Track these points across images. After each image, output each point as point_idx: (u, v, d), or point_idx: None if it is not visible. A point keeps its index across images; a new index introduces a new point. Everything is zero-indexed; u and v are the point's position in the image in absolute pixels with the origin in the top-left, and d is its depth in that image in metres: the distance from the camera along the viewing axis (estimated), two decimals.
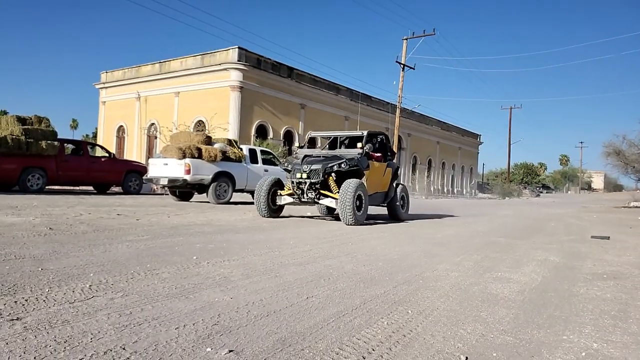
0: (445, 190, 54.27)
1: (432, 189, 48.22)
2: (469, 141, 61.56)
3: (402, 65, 33.80)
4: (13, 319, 2.51)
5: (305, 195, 9.57)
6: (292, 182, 9.74)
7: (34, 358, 2.05)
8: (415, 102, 68.79)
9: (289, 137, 34.11)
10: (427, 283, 4.07)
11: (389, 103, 41.28)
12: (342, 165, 9.41)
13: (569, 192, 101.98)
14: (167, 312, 2.79)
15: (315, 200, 9.55)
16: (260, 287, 3.58)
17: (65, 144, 15.99)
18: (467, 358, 2.34)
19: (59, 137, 15.25)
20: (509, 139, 55.96)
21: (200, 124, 30.84)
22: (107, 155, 17.31)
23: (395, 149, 35.44)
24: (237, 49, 30.16)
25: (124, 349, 2.21)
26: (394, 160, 11.97)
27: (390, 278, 4.18)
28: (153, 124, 34.88)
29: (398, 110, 34.87)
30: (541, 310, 3.36)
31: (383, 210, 12.14)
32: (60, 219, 7.04)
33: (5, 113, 34.48)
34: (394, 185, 11.31)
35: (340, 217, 8.86)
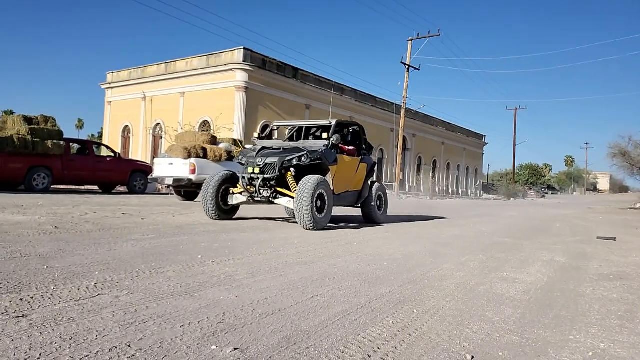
0: (450, 191, 54.16)
1: (437, 189, 48.14)
2: (474, 142, 61.42)
3: (407, 66, 33.78)
4: (19, 316, 2.52)
5: (258, 193, 8.31)
6: (243, 178, 8.45)
7: (40, 355, 2.05)
8: (420, 102, 68.74)
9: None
10: (433, 283, 4.06)
11: (393, 104, 41.30)
12: (303, 158, 8.11)
13: (575, 193, 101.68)
14: (173, 310, 2.79)
15: (271, 199, 8.26)
16: (265, 285, 3.57)
17: (71, 144, 16.02)
18: (473, 357, 2.33)
19: (64, 136, 15.29)
20: (514, 139, 55.90)
21: (205, 124, 30.88)
22: (112, 155, 17.34)
23: (400, 150, 35.54)
24: (242, 50, 30.20)
25: (129, 346, 2.21)
26: (371, 156, 10.53)
27: (395, 277, 4.17)
28: (158, 124, 34.96)
29: (403, 111, 34.84)
30: (547, 310, 3.35)
31: (358, 212, 10.91)
32: (65, 218, 7.06)
33: (12, 113, 34.65)
34: (369, 183, 9.99)
35: (297, 220, 7.66)
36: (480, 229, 10.00)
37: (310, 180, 7.63)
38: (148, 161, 27.06)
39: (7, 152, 13.51)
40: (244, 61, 30.10)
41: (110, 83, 39.16)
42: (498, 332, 2.75)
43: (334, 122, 9.30)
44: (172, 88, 33.80)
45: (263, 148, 8.81)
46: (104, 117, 40.48)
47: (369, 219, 9.88)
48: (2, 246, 4.48)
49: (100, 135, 55.03)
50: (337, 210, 11.53)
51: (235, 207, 9.01)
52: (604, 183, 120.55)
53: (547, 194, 76.82)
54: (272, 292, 3.37)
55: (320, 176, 7.87)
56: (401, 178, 38.30)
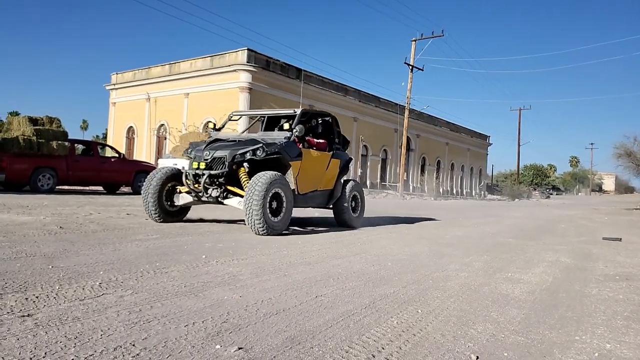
0: (454, 191, 54.08)
1: (441, 190, 48.07)
2: (478, 142, 61.31)
3: (410, 67, 33.75)
4: (24, 316, 2.52)
5: (205, 192, 7.25)
6: (187, 175, 7.34)
7: (45, 354, 2.05)
8: (423, 103, 68.68)
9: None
10: (437, 283, 4.05)
11: (397, 104, 41.24)
12: (258, 152, 7.01)
13: (580, 193, 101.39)
14: (177, 310, 2.79)
15: (220, 199, 7.22)
16: (269, 285, 3.57)
17: (75, 145, 16.07)
18: (477, 357, 2.32)
19: (69, 137, 15.33)
20: (519, 140, 55.81)
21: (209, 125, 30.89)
22: (116, 155, 17.37)
23: (403, 150, 35.51)
24: (246, 51, 30.24)
25: (133, 345, 2.21)
26: (346, 151, 9.52)
27: (399, 278, 4.17)
28: (162, 124, 35.03)
29: (406, 112, 34.82)
30: (552, 310, 3.34)
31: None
32: (70, 218, 7.08)
33: (17, 114, 34.77)
34: (342, 181, 8.95)
35: (246, 223, 6.61)
36: (485, 229, 9.98)
37: (262, 177, 6.60)
38: (152, 162, 27.12)
39: (12, 153, 13.55)
40: (247, 62, 30.14)
41: (114, 84, 39.26)
42: (503, 333, 2.74)
43: (299, 110, 8.29)
44: (176, 89, 33.87)
45: (216, 140, 7.77)
46: (109, 118, 40.59)
47: (342, 222, 8.83)
48: (8, 246, 4.49)
49: (105, 136, 55.18)
50: (310, 212, 11.32)
51: (185, 208, 8.00)
52: (609, 184, 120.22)
53: (551, 194, 76.60)
54: (276, 292, 3.37)
55: (276, 172, 6.80)
56: (405, 179, 38.26)
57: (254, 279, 3.77)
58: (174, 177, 7.62)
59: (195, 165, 7.28)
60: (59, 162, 14.60)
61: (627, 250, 7.05)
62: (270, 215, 6.60)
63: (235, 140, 7.53)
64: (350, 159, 9.42)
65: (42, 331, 2.31)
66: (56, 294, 2.96)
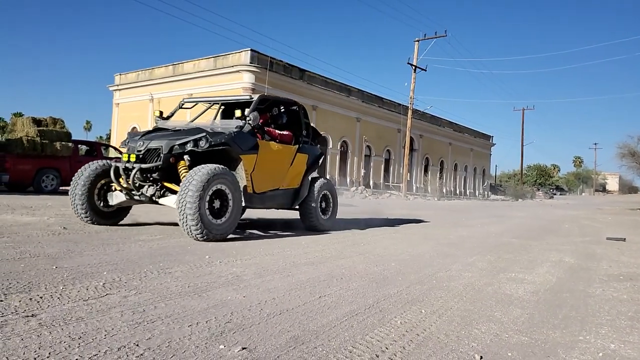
0: (457, 192, 54.00)
1: (444, 190, 48.01)
2: (481, 142, 61.20)
3: (413, 67, 33.73)
4: (28, 316, 2.53)
5: (137, 189, 6.26)
6: (116, 169, 6.41)
7: (49, 354, 2.06)
8: (426, 103, 68.57)
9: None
10: (440, 283, 4.04)
11: (400, 104, 41.20)
12: (201, 142, 6.02)
13: (583, 194, 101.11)
14: (180, 310, 2.79)
15: (155, 198, 6.23)
16: (273, 286, 3.57)
17: (79, 145, 16.09)
18: (481, 357, 2.32)
19: (73, 138, 15.36)
20: (522, 140, 55.69)
21: None
22: (120, 156, 17.40)
23: (407, 151, 35.50)
24: (249, 51, 30.25)
25: (137, 345, 2.21)
26: (318, 145, 8.46)
27: (403, 278, 4.16)
28: None
29: (410, 112, 34.79)
30: (556, 310, 3.33)
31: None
32: (74, 219, 7.09)
33: (20, 115, 34.92)
34: (309, 179, 7.86)
35: (180, 225, 5.67)
36: (488, 229, 9.96)
37: (200, 171, 5.66)
38: None
39: (16, 154, 13.59)
40: (250, 63, 30.15)
41: (118, 85, 39.32)
42: (507, 333, 2.74)
43: (255, 97, 7.24)
44: (179, 90, 33.87)
45: (157, 130, 6.83)
46: (112, 118, 40.66)
47: (309, 226, 7.80)
48: (12, 246, 4.51)
49: (109, 137, 55.31)
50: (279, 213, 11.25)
51: (123, 209, 7.03)
52: (612, 184, 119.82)
53: (555, 194, 76.44)
54: (280, 292, 3.37)
55: (218, 166, 5.87)
56: (408, 179, 38.23)
57: (257, 279, 3.78)
58: (107, 173, 6.59)
59: (125, 157, 6.33)
60: (63, 163, 14.63)
61: (631, 250, 7.03)
62: (210, 216, 5.69)
63: (179, 130, 6.58)
64: (321, 154, 8.41)
65: (46, 331, 2.32)
66: (60, 295, 2.97)
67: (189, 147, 6.05)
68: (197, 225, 5.48)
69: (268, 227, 7.71)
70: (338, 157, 36.38)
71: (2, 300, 2.76)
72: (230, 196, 6.00)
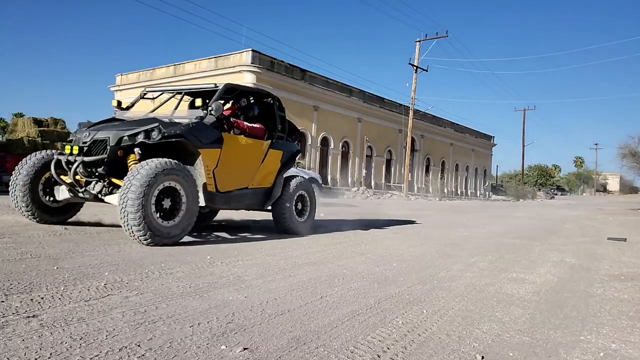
0: (459, 192, 53.98)
1: (445, 190, 48.00)
2: (483, 143, 61.16)
3: (415, 67, 33.73)
4: (29, 316, 2.53)
5: (79, 185, 5.66)
6: (57, 162, 5.83)
7: (50, 354, 2.06)
8: (428, 103, 68.60)
9: (302, 139, 34.12)
10: (442, 283, 4.04)
11: (401, 105, 41.20)
12: (153, 133, 5.43)
13: (584, 194, 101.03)
14: (182, 311, 2.79)
15: (101, 196, 5.59)
16: (274, 286, 3.57)
17: None
18: (483, 357, 2.32)
19: None
20: (523, 140, 55.68)
21: None
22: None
23: (408, 151, 35.49)
24: (250, 52, 30.27)
25: (139, 345, 2.21)
26: (296, 142, 7.81)
27: (404, 278, 4.16)
28: None
29: (411, 112, 34.79)
30: (557, 310, 3.33)
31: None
32: (75, 219, 7.10)
33: (21, 115, 34.92)
34: (283, 178, 7.15)
35: (122, 227, 5.06)
36: (490, 229, 9.96)
37: (146, 166, 5.04)
38: None
39: (17, 154, 13.62)
40: (252, 63, 30.17)
41: (119, 85, 39.33)
42: (508, 333, 2.74)
43: (221, 85, 6.54)
44: None
45: (111, 120, 6.25)
46: None
47: (282, 228, 7.07)
48: (13, 247, 4.51)
49: None
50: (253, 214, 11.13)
51: (74, 205, 6.49)
52: (613, 184, 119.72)
53: (556, 194, 76.40)
54: (281, 293, 3.37)
55: (169, 160, 5.21)
56: (409, 179, 38.20)
57: (259, 279, 3.78)
58: (51, 165, 5.90)
59: (67, 149, 5.67)
60: None
61: (632, 251, 7.02)
62: (158, 218, 5.09)
63: (133, 120, 5.98)
64: (299, 150, 7.79)
65: (47, 332, 2.32)
66: (61, 295, 2.97)
67: (140, 138, 5.43)
68: (140, 227, 4.89)
69: (247, 229, 7.70)
70: (339, 158, 36.38)
71: (3, 301, 2.77)
72: (183, 195, 5.36)
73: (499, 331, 2.75)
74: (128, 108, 7.06)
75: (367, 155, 39.69)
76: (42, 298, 2.89)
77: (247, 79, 30.30)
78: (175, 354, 2.14)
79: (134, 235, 4.97)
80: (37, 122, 14.74)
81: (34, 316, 2.54)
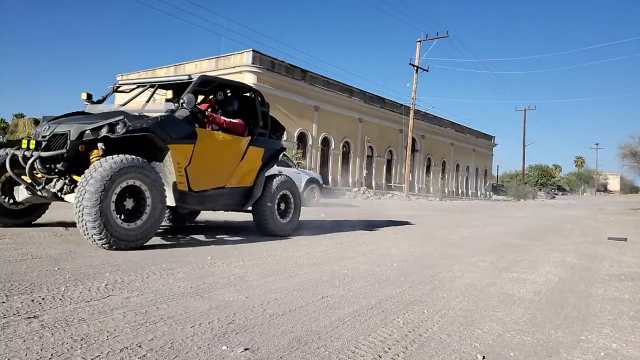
0: (459, 192, 53.95)
1: (446, 191, 47.98)
2: (483, 143, 61.13)
3: (415, 68, 33.73)
4: (30, 317, 2.53)
5: (36, 182, 5.24)
6: (13, 158, 5.37)
7: (51, 355, 2.06)
8: (428, 103, 68.61)
9: (303, 139, 34.15)
10: (443, 283, 4.04)
11: (402, 105, 41.19)
12: (117, 127, 5.01)
13: (585, 194, 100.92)
14: (183, 311, 2.79)
15: (62, 194, 5.19)
16: (275, 287, 3.58)
17: None
18: (484, 357, 2.32)
19: None
20: (524, 140, 55.69)
21: None
22: None
23: (409, 151, 35.48)
24: (251, 52, 30.28)
25: (140, 346, 2.22)
26: (278, 139, 7.32)
27: (405, 278, 4.16)
28: None
29: (412, 112, 34.79)
30: (558, 310, 3.33)
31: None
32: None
33: (22, 116, 34.95)
34: (264, 176, 6.72)
35: (79, 229, 4.70)
36: (491, 230, 9.96)
37: (104, 163, 4.64)
38: None
39: None
40: (252, 63, 30.18)
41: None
42: (509, 333, 2.74)
43: (195, 77, 6.13)
44: None
45: (76, 113, 5.73)
46: None
47: (263, 230, 6.66)
48: (14, 248, 4.51)
49: None
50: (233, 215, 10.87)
51: (38, 207, 6.14)
52: (614, 184, 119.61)
53: (556, 194, 76.34)
54: (282, 293, 3.37)
55: (132, 157, 4.84)
56: (410, 179, 38.18)
57: (259, 280, 3.78)
58: (12, 164, 5.38)
59: (25, 144, 5.24)
60: None
61: (632, 250, 7.02)
62: (118, 219, 4.71)
63: (99, 114, 5.55)
64: (283, 148, 7.37)
65: (48, 333, 2.32)
66: (62, 296, 2.97)
67: (103, 132, 4.99)
68: (98, 230, 4.51)
69: (247, 230, 7.69)
70: (340, 158, 36.38)
71: (3, 302, 2.77)
72: (147, 194, 4.96)
73: (499, 331, 2.75)
74: (100, 102, 6.53)
75: (367, 156, 39.68)
76: (43, 299, 2.89)
77: (247, 79, 30.31)
78: (176, 354, 2.14)
79: (91, 239, 4.60)
80: (37, 123, 14.74)
81: (34, 317, 2.54)
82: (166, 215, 6.89)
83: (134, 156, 4.87)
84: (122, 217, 4.77)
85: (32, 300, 2.84)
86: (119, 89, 7.13)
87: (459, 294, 3.69)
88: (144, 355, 2.11)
